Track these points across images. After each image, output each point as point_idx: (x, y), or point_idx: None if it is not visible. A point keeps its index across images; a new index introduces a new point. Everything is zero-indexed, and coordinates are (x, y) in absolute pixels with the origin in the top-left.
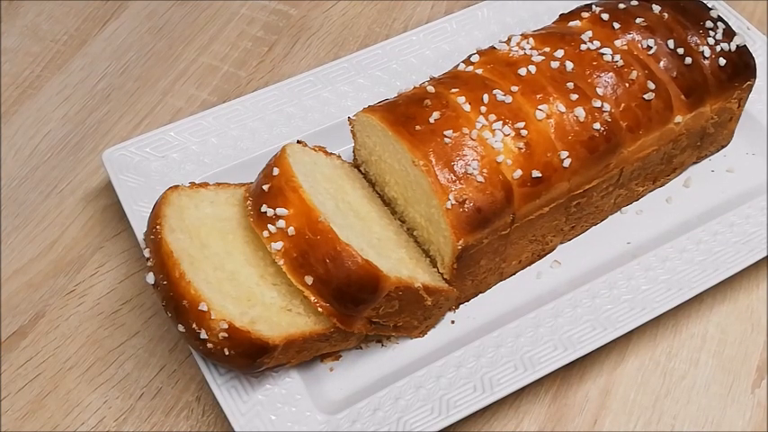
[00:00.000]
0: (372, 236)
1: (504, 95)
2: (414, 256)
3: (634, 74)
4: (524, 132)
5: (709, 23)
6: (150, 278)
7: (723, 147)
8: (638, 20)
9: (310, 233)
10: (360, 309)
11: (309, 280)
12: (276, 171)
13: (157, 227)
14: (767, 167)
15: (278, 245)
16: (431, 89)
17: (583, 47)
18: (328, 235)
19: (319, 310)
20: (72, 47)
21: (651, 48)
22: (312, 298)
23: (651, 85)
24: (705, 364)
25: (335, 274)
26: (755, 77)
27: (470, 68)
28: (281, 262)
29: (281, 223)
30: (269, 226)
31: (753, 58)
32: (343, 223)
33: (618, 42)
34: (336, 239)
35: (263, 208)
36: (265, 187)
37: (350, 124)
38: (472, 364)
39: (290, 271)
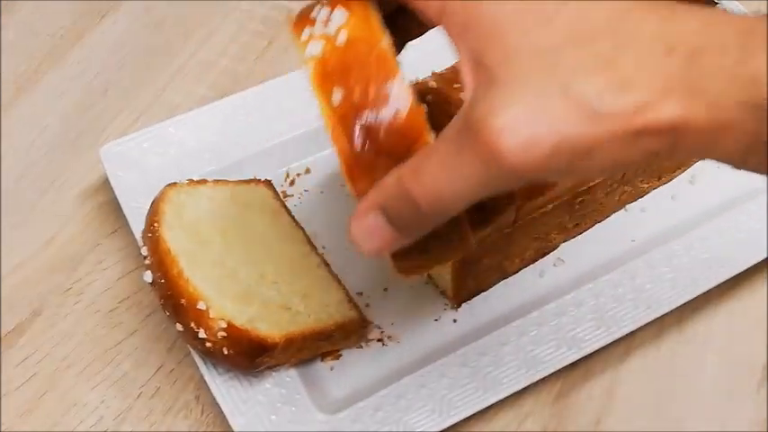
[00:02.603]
0: None
1: None
2: None
3: None
4: None
5: None
6: (148, 276)
7: None
8: None
9: (364, 49)
10: (382, 160)
11: (337, 96)
12: None
13: (155, 224)
14: None
15: (316, 47)
16: (433, 84)
17: None
18: (386, 63)
19: (334, 143)
20: (69, 42)
21: None
22: (330, 123)
23: None
24: (710, 362)
25: (374, 104)
26: None
27: None
28: (310, 67)
29: (333, 27)
30: (313, 27)
31: None
32: None
33: None
34: (394, 70)
35: (318, 10)
36: None
37: None
38: (474, 362)
39: (316, 79)
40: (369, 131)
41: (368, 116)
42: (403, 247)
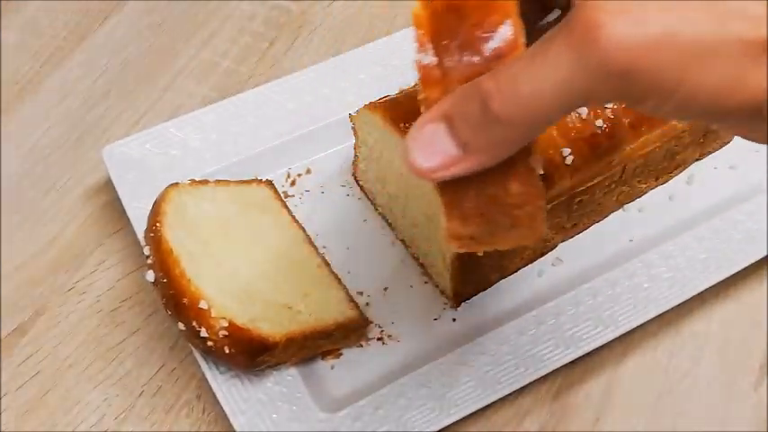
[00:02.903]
0: None
1: None
2: None
3: None
4: None
5: None
6: (150, 276)
7: (726, 143)
8: None
9: None
10: (464, 68)
11: None
12: None
13: (157, 224)
14: None
15: None
16: None
17: None
18: None
19: (417, 39)
20: (72, 43)
21: None
22: (419, 17)
23: None
24: (707, 362)
25: (474, 5)
26: None
27: None
28: None
29: None
30: None
31: None
32: None
33: None
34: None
35: None
36: None
37: (351, 121)
38: (473, 361)
39: None
40: (458, 33)
41: (463, 16)
42: (463, 207)
